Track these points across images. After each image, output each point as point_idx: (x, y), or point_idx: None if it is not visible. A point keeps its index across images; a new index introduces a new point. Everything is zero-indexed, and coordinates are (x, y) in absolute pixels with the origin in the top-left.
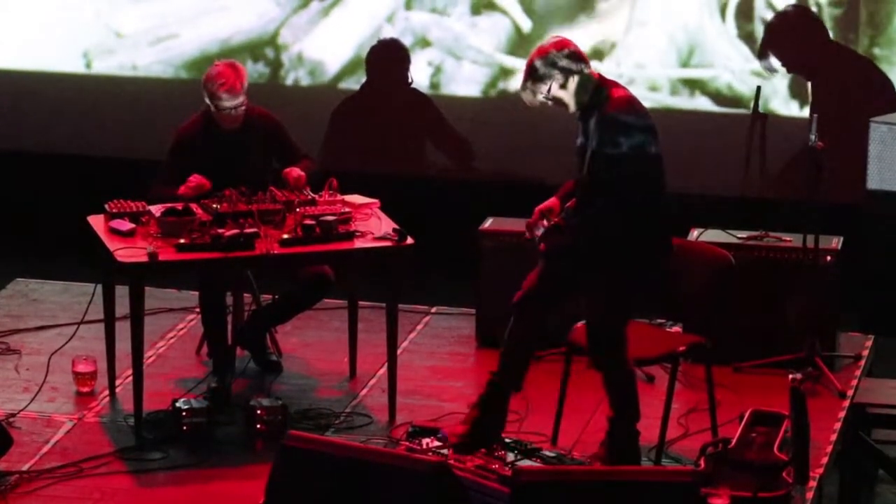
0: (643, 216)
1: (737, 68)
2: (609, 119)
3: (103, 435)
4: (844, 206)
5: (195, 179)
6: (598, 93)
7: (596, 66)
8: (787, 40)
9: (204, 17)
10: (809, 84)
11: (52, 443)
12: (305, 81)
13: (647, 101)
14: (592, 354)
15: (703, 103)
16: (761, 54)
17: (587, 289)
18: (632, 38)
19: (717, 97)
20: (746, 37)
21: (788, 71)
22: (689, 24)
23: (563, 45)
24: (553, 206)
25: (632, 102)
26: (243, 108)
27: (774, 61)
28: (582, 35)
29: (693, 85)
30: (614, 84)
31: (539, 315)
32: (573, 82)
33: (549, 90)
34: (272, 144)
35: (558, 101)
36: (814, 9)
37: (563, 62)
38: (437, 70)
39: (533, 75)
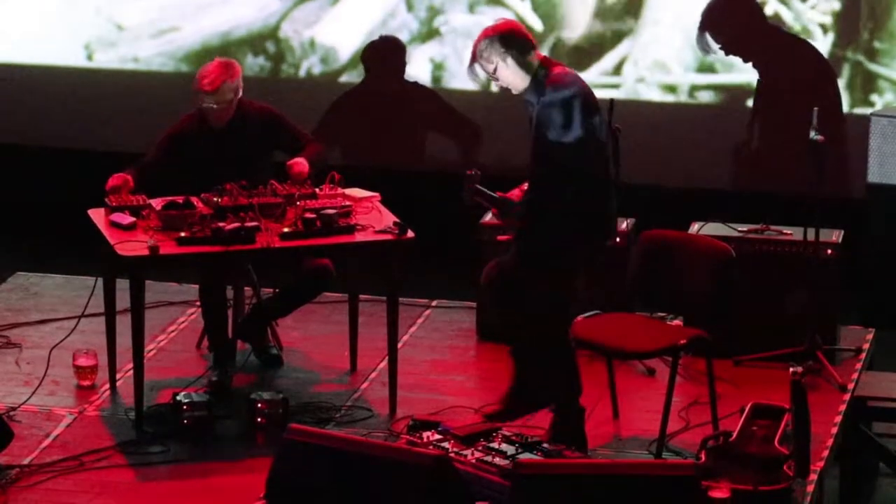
0: (581, 191)
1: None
2: (547, 99)
3: (104, 428)
4: (845, 200)
5: (114, 181)
6: (539, 73)
7: (606, 64)
8: (724, 22)
9: (205, 10)
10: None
11: (52, 436)
12: (307, 74)
13: (660, 97)
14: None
15: (703, 96)
16: (699, 35)
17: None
18: (647, 35)
19: (718, 90)
20: None
21: (726, 53)
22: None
23: (506, 27)
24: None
25: (565, 77)
26: (225, 106)
27: (711, 42)
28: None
29: (700, 82)
30: (555, 63)
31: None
32: (515, 63)
33: (493, 70)
34: (273, 137)
35: (501, 81)
36: (814, 1)
37: (506, 43)
38: (438, 64)
39: (478, 56)
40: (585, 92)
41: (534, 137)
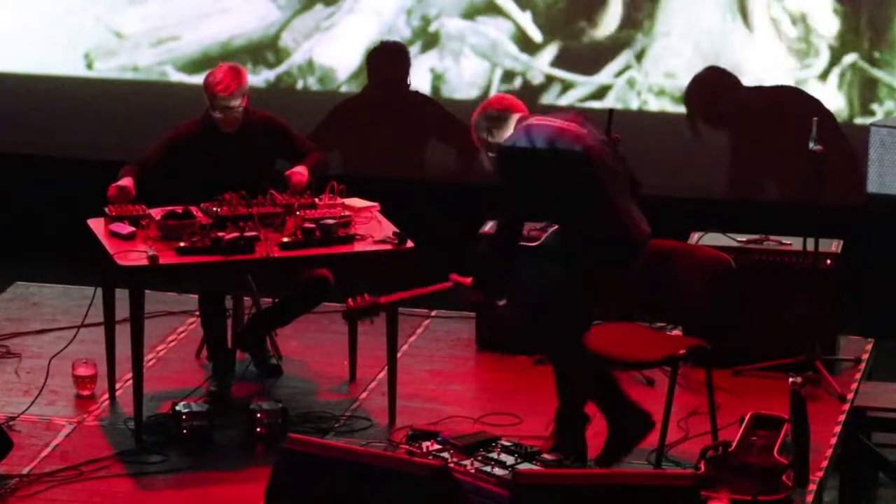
0: (577, 222)
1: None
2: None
3: (103, 438)
4: (844, 210)
5: (121, 183)
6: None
7: (605, 74)
8: (703, 102)
9: (205, 19)
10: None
11: (52, 446)
12: (305, 84)
13: (659, 107)
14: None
15: None
16: (687, 123)
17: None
18: (648, 45)
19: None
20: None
21: (714, 127)
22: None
23: (491, 105)
24: None
25: (528, 129)
26: (239, 110)
27: (699, 125)
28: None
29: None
30: (526, 118)
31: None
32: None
33: (492, 146)
34: (276, 146)
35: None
36: (815, 12)
37: (496, 122)
38: (438, 74)
39: (482, 142)
40: (531, 136)
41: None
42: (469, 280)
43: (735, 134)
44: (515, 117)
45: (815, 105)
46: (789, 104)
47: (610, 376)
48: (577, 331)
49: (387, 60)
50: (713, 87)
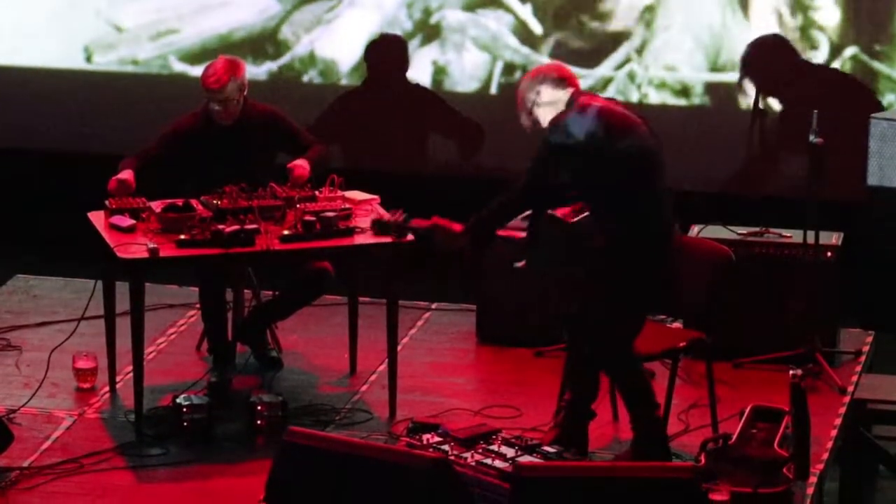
0: (635, 218)
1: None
2: (559, 123)
3: (104, 431)
4: (845, 203)
5: (122, 176)
6: (568, 106)
7: (606, 67)
8: (760, 68)
9: (204, 13)
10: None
11: (52, 439)
12: (306, 76)
13: (659, 100)
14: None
15: (704, 100)
16: (739, 84)
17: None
18: (649, 38)
19: (720, 93)
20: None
21: (765, 95)
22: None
23: (549, 70)
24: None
25: (585, 108)
26: (235, 103)
27: (751, 88)
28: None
29: (702, 86)
30: (584, 96)
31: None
32: (559, 104)
33: (540, 116)
34: (276, 139)
35: (540, 120)
36: (815, 4)
37: (549, 86)
38: (439, 66)
39: (524, 102)
40: (606, 121)
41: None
42: (458, 227)
43: (787, 107)
44: (570, 91)
45: (868, 98)
46: (844, 90)
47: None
48: (630, 335)
49: (385, 53)
50: (773, 51)
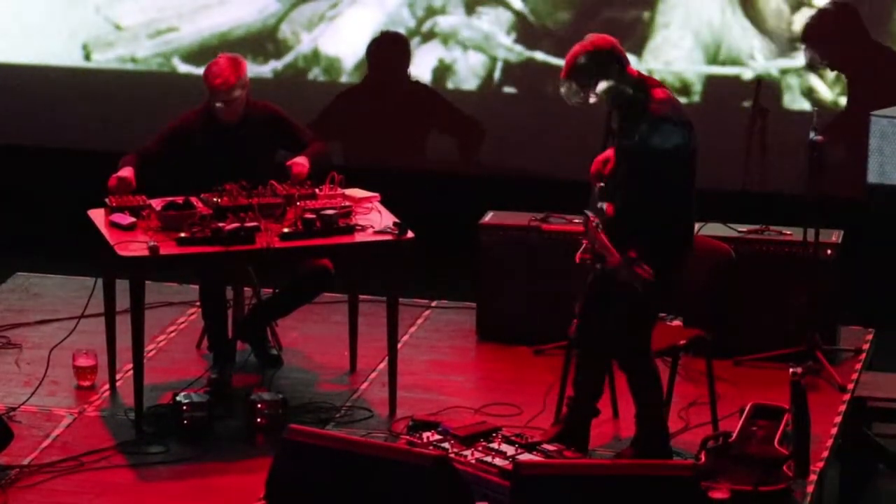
0: (676, 213)
1: (756, 62)
2: (658, 120)
3: (104, 429)
4: (845, 200)
5: (122, 174)
6: (639, 91)
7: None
8: (826, 36)
9: (203, 11)
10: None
11: (52, 437)
12: (306, 75)
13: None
14: (614, 355)
15: (704, 97)
16: (805, 49)
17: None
18: (652, 35)
19: (719, 90)
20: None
21: (831, 68)
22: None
23: (605, 41)
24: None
25: (674, 102)
26: (238, 101)
27: (816, 56)
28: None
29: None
30: (654, 83)
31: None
32: (613, 80)
33: (592, 87)
34: (275, 135)
35: (597, 96)
36: (814, 2)
37: (605, 59)
38: (440, 65)
39: (576, 72)
40: (683, 111)
41: (640, 166)
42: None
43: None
44: (629, 70)
45: None
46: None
47: (600, 365)
48: (650, 330)
49: (387, 51)
50: (835, 24)
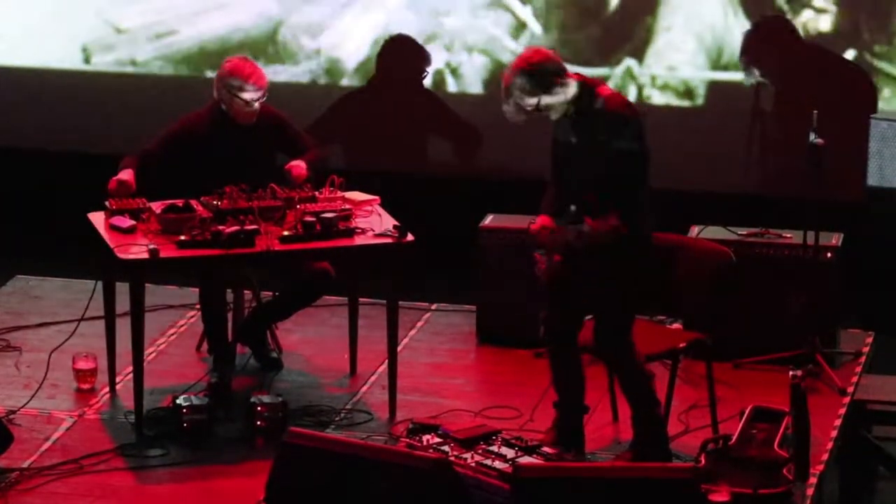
0: (646, 212)
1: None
2: (617, 118)
3: (104, 432)
4: (845, 203)
5: (122, 177)
6: (585, 94)
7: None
8: (763, 50)
9: (203, 14)
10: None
11: (52, 440)
12: (306, 78)
13: (660, 101)
14: (602, 355)
15: (704, 100)
16: (744, 66)
17: (595, 292)
18: (651, 39)
19: (719, 93)
20: None
21: (771, 81)
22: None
23: (538, 55)
24: (546, 224)
25: (626, 100)
26: (263, 100)
27: (755, 70)
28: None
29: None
30: (596, 82)
31: (573, 339)
32: (558, 89)
33: (537, 102)
34: (277, 139)
35: (544, 110)
36: (815, 4)
37: (542, 74)
38: (442, 68)
39: (515, 92)
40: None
41: (609, 161)
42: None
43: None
44: (569, 75)
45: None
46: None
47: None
48: (632, 324)
49: (395, 54)
50: (771, 33)
